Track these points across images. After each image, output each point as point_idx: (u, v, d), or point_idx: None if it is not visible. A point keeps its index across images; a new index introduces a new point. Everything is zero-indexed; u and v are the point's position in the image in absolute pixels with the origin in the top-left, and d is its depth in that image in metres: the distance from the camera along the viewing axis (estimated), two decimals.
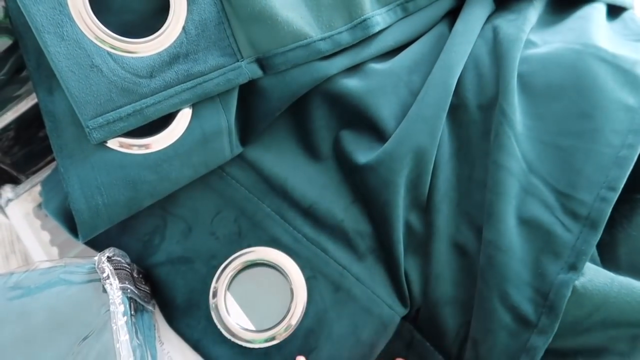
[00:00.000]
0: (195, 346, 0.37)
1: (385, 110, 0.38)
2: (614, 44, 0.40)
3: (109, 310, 0.31)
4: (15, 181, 0.42)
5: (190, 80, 0.33)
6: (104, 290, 0.32)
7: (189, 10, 0.33)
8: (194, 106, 0.34)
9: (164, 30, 0.32)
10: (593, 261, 0.35)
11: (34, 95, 0.38)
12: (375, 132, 0.38)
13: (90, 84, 0.30)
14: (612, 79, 0.36)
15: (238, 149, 0.37)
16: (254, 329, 0.36)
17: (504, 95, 0.36)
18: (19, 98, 0.37)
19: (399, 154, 0.36)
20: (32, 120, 0.39)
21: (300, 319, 0.36)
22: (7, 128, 0.38)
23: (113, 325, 0.30)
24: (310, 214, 0.38)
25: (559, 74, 0.37)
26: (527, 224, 0.34)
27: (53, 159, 0.36)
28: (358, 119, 0.39)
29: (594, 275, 0.33)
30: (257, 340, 0.36)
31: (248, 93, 0.37)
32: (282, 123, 0.40)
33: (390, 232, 0.36)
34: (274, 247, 0.37)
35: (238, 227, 0.38)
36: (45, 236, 0.40)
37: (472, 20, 0.41)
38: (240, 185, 0.38)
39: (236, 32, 0.34)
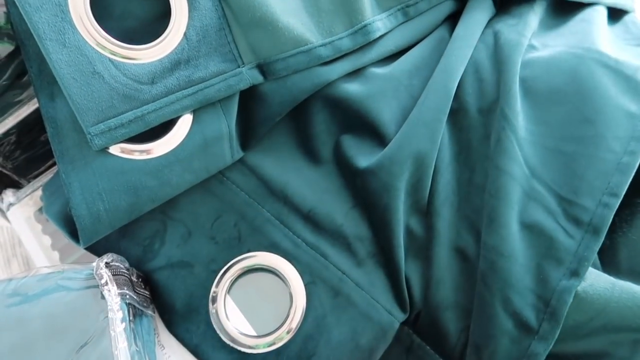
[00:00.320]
0: (194, 351, 0.37)
1: (386, 114, 0.38)
2: (616, 48, 0.40)
3: (107, 316, 0.31)
4: (17, 185, 0.42)
5: (191, 87, 0.33)
6: (103, 297, 0.32)
7: (190, 17, 0.33)
8: (194, 111, 0.34)
9: (165, 37, 0.32)
10: (593, 265, 0.35)
11: (35, 100, 0.38)
12: (376, 136, 0.38)
13: (92, 91, 0.30)
14: (614, 85, 0.36)
15: (239, 154, 0.38)
16: (253, 334, 0.36)
17: (505, 100, 0.36)
18: (20, 103, 0.37)
19: (399, 158, 0.36)
20: (33, 125, 0.39)
21: (299, 324, 0.36)
22: (8, 133, 0.38)
23: (111, 332, 0.30)
24: (310, 219, 0.38)
25: (562, 79, 0.37)
26: (530, 229, 0.34)
27: (54, 163, 0.36)
28: (359, 123, 0.39)
29: (595, 280, 0.33)
30: (256, 346, 0.36)
31: (249, 98, 0.37)
32: (283, 127, 0.40)
33: (391, 236, 0.36)
34: (274, 252, 0.37)
35: (238, 231, 0.38)
36: (47, 240, 0.41)
37: (473, 25, 0.41)
38: (240, 190, 0.38)
39: (237, 38, 0.34)
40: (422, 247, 0.37)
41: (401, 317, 0.37)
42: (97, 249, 0.37)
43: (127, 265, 0.36)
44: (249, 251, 0.37)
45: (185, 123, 0.34)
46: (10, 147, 0.39)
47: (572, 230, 0.33)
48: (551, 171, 0.35)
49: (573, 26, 0.43)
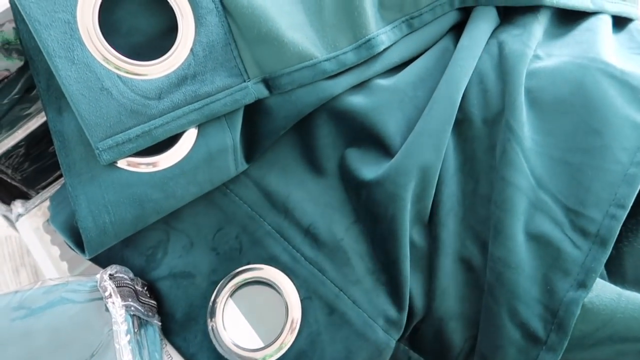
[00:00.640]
0: None
1: (391, 126, 0.39)
2: (621, 58, 0.40)
3: (111, 329, 0.31)
4: (26, 196, 0.43)
5: (197, 101, 0.33)
6: (107, 309, 0.32)
7: (197, 32, 0.33)
8: (199, 125, 0.35)
9: (172, 53, 0.33)
10: (599, 275, 0.35)
11: (43, 113, 0.38)
12: (382, 148, 0.39)
13: (100, 107, 0.31)
14: (620, 95, 0.36)
15: (243, 166, 0.38)
16: (248, 347, 0.36)
17: (510, 111, 0.37)
18: (29, 116, 0.38)
19: (405, 168, 0.36)
20: (41, 137, 0.39)
21: (293, 340, 0.36)
22: (17, 145, 0.38)
23: (116, 344, 0.30)
24: (310, 233, 0.38)
25: (567, 89, 0.37)
26: (536, 240, 0.34)
27: (62, 174, 0.37)
28: (364, 136, 0.39)
29: (601, 291, 0.33)
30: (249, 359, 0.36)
31: (254, 111, 0.37)
32: (287, 140, 0.40)
33: (397, 247, 0.36)
34: (273, 265, 0.37)
35: (239, 243, 0.38)
36: (55, 251, 0.41)
37: (477, 35, 0.42)
38: (243, 202, 0.39)
39: (243, 53, 0.34)
40: (423, 258, 0.37)
41: (398, 335, 0.37)
42: (100, 259, 0.38)
43: (131, 275, 0.36)
44: (248, 263, 0.37)
45: (190, 136, 0.35)
46: (19, 159, 0.40)
47: (579, 242, 0.34)
48: (558, 182, 0.35)
49: (578, 35, 0.43)
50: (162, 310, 0.38)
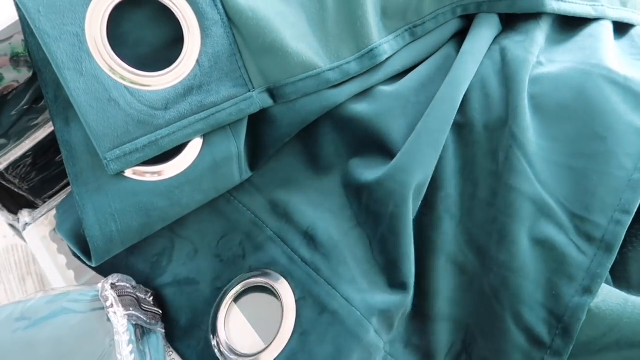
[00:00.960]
0: None
1: (394, 132, 0.39)
2: (623, 64, 0.40)
3: (113, 339, 0.31)
4: (33, 206, 0.43)
5: (203, 111, 0.34)
6: (109, 319, 0.32)
7: (203, 44, 0.33)
8: (205, 134, 0.35)
9: (179, 64, 0.33)
10: (605, 280, 0.35)
11: (51, 122, 0.39)
12: (385, 154, 0.39)
13: (108, 117, 0.31)
14: (623, 102, 0.37)
15: (247, 174, 0.38)
16: (247, 353, 0.36)
17: (513, 118, 0.37)
18: (36, 127, 0.38)
19: (404, 166, 0.36)
20: (49, 147, 0.40)
21: (286, 342, 0.35)
22: (25, 155, 0.39)
23: (118, 355, 0.30)
24: (309, 235, 0.38)
25: (570, 95, 0.37)
26: (541, 245, 0.35)
27: (69, 183, 0.37)
28: (368, 142, 0.40)
29: (607, 296, 0.33)
30: None
31: (258, 120, 0.38)
32: (291, 148, 0.41)
33: (397, 247, 0.36)
34: (272, 269, 0.37)
35: (242, 250, 0.38)
36: (62, 259, 0.41)
37: (480, 40, 0.42)
38: (246, 210, 0.39)
39: (247, 63, 0.35)
40: (416, 258, 0.37)
41: (388, 338, 0.36)
42: (104, 267, 0.38)
43: (133, 284, 0.36)
44: (250, 268, 0.38)
45: (195, 145, 0.35)
46: (26, 169, 0.40)
47: (584, 247, 0.34)
48: (562, 187, 0.35)
49: (580, 42, 0.43)
50: (166, 317, 0.38)
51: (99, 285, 0.33)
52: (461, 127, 0.39)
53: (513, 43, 0.42)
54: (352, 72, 0.38)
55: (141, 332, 0.34)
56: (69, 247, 0.38)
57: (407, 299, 0.36)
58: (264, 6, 0.35)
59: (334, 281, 0.36)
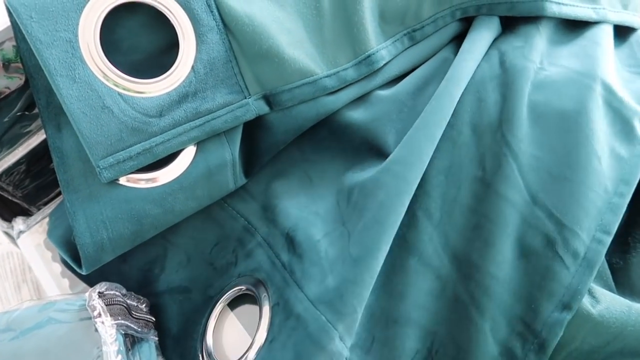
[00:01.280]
0: None
1: (390, 137, 0.39)
2: (620, 79, 0.40)
3: (101, 350, 0.30)
4: (27, 213, 0.43)
5: (198, 118, 0.33)
6: (96, 329, 0.31)
7: (198, 50, 0.33)
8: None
9: (174, 70, 0.33)
10: (607, 286, 0.35)
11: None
12: (382, 159, 0.38)
13: (102, 125, 0.31)
14: (612, 124, 0.37)
15: (242, 181, 0.38)
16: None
17: (508, 126, 0.37)
18: (29, 133, 0.38)
19: (400, 158, 0.36)
20: (42, 154, 0.39)
21: (257, 349, 0.34)
22: (19, 162, 0.38)
23: None
24: (289, 236, 0.37)
25: (573, 108, 0.37)
26: (526, 256, 0.34)
27: None
28: (364, 149, 0.39)
29: (611, 303, 0.33)
30: None
31: (254, 126, 0.37)
32: (286, 154, 0.40)
33: (376, 237, 0.34)
34: (256, 275, 0.37)
35: (235, 257, 0.38)
36: (57, 267, 0.41)
37: (479, 40, 0.42)
38: (240, 216, 0.39)
39: (243, 70, 0.34)
40: (388, 256, 0.35)
41: (350, 343, 0.34)
42: (96, 274, 0.37)
43: (123, 291, 0.35)
44: (239, 275, 0.37)
45: (189, 152, 0.35)
46: (20, 176, 0.40)
47: (569, 261, 0.33)
48: (555, 198, 0.35)
49: (583, 46, 0.43)
50: (158, 326, 0.37)
51: (86, 294, 0.33)
52: (450, 126, 0.38)
53: (512, 48, 0.41)
54: (349, 78, 0.38)
55: (132, 341, 0.34)
56: (60, 255, 0.37)
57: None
58: (260, 12, 0.34)
59: (303, 283, 0.34)
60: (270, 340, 0.33)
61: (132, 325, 0.33)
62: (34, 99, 0.34)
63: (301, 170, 0.40)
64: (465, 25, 0.44)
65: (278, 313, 0.34)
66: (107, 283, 0.34)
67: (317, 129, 0.39)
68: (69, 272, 0.41)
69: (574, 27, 0.45)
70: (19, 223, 0.41)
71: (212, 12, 0.33)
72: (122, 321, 0.33)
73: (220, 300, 0.36)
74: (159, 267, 0.38)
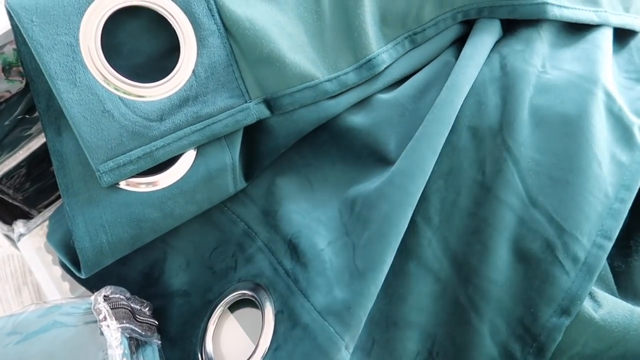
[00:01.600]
0: None
1: (392, 141, 0.39)
2: (618, 86, 0.40)
3: (107, 353, 0.30)
4: (27, 216, 0.43)
5: (199, 122, 0.33)
6: (102, 333, 0.31)
7: (199, 54, 0.33)
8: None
9: (174, 74, 0.33)
10: (609, 290, 0.35)
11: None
12: (383, 164, 0.38)
13: (102, 129, 0.31)
14: (612, 130, 0.37)
15: (242, 185, 0.38)
16: None
17: (508, 130, 0.37)
18: (30, 137, 0.38)
19: (404, 170, 0.36)
20: (43, 157, 0.39)
21: (261, 357, 0.34)
22: (19, 165, 0.38)
23: None
24: (292, 243, 0.37)
25: (575, 113, 0.37)
26: (525, 261, 0.34)
27: None
28: (365, 153, 0.39)
29: (613, 308, 0.33)
30: None
31: (254, 130, 0.37)
32: (286, 158, 0.40)
33: (380, 252, 0.34)
34: (258, 281, 0.36)
35: (235, 261, 0.38)
36: (57, 271, 0.41)
37: (480, 45, 0.41)
38: (240, 220, 0.38)
39: (244, 74, 0.34)
40: None
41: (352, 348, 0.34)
42: (95, 277, 0.37)
43: (127, 295, 0.35)
44: (239, 280, 0.37)
45: (189, 156, 0.35)
46: (20, 179, 0.40)
47: (569, 266, 0.33)
48: (555, 201, 0.35)
49: (584, 50, 0.43)
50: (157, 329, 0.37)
51: (92, 297, 0.33)
52: (451, 130, 0.38)
53: (513, 52, 0.41)
54: (350, 82, 0.38)
55: (136, 344, 0.33)
56: (59, 258, 0.37)
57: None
58: (261, 16, 0.34)
59: (309, 292, 0.34)
60: (274, 348, 0.33)
61: (136, 329, 0.33)
62: (35, 102, 0.33)
63: (301, 174, 0.40)
64: (466, 28, 0.44)
65: (283, 321, 0.34)
66: (112, 287, 0.34)
67: (317, 133, 0.39)
68: (69, 275, 0.41)
69: (576, 30, 0.45)
70: (19, 226, 0.41)
71: (213, 16, 0.33)
72: (127, 324, 0.33)
73: (219, 305, 0.36)
74: (158, 271, 0.38)
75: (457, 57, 0.42)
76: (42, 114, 0.33)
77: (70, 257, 0.36)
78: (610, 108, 0.38)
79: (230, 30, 0.33)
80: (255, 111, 0.35)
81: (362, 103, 0.40)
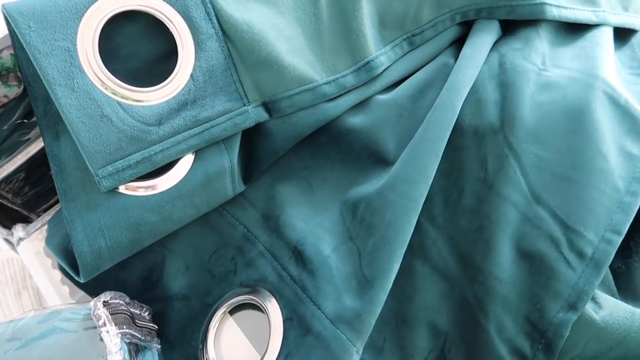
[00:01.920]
0: None
1: (391, 142, 0.39)
2: (622, 79, 0.40)
3: (106, 359, 0.30)
4: (27, 220, 0.43)
5: (197, 126, 0.33)
6: (101, 339, 0.31)
7: (197, 58, 0.33)
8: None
9: (172, 79, 0.32)
10: (610, 292, 0.35)
11: None
12: (383, 166, 0.38)
13: (100, 134, 0.31)
14: (620, 123, 0.37)
15: (240, 188, 0.38)
16: None
17: (509, 127, 0.37)
18: (28, 141, 0.38)
19: (405, 175, 0.36)
20: (41, 161, 0.39)
21: None
22: (18, 170, 0.38)
23: None
24: (297, 250, 0.37)
25: (578, 108, 0.37)
26: (530, 257, 0.34)
27: None
28: (365, 155, 0.39)
29: (614, 309, 0.33)
30: None
31: (253, 133, 0.37)
32: (285, 161, 0.40)
33: (386, 259, 0.34)
34: (262, 286, 0.36)
35: (234, 265, 0.38)
36: (56, 275, 0.41)
37: (480, 45, 0.41)
38: (239, 224, 0.38)
39: (242, 77, 0.34)
40: None
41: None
42: (94, 281, 0.36)
43: (127, 300, 0.35)
44: (240, 284, 0.37)
45: (187, 159, 0.34)
46: (19, 183, 0.40)
47: (575, 262, 0.33)
48: (560, 199, 0.35)
49: (584, 48, 0.43)
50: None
51: (91, 303, 0.33)
52: (452, 130, 0.38)
53: (512, 50, 0.41)
54: (349, 85, 0.38)
55: (135, 349, 0.33)
56: (57, 262, 0.37)
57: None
58: (259, 20, 0.34)
59: (319, 300, 0.35)
60: (285, 354, 0.34)
61: (136, 334, 0.33)
62: (32, 107, 0.33)
63: (301, 177, 0.40)
64: (465, 29, 0.44)
65: (292, 328, 0.34)
66: (111, 292, 0.34)
67: (316, 136, 0.39)
68: (68, 280, 0.41)
69: (574, 29, 0.45)
70: (18, 230, 0.41)
71: (211, 20, 0.33)
72: (127, 330, 0.33)
73: (220, 308, 0.36)
74: (157, 274, 0.38)
75: (455, 58, 0.42)
76: (39, 118, 0.33)
77: (69, 261, 0.36)
78: (616, 101, 0.37)
79: (228, 34, 0.33)
80: (254, 114, 0.35)
81: (360, 104, 0.40)
